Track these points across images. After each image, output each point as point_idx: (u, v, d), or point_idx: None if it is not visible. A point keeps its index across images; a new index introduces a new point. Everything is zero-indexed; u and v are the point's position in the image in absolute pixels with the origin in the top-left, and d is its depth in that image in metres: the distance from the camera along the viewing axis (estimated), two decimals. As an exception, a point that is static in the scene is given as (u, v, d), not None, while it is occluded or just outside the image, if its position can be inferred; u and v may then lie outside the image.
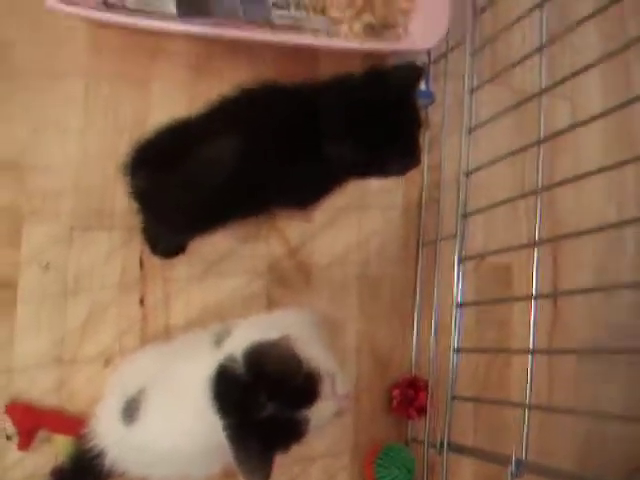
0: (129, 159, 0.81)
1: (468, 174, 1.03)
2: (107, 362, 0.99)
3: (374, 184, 1.07)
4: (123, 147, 0.81)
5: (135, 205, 0.84)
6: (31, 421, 0.94)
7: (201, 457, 0.78)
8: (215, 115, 0.80)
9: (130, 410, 0.78)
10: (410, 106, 0.79)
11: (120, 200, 0.98)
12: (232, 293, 1.04)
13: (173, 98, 1.04)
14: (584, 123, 0.83)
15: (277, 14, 1.05)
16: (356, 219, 1.10)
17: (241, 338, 0.72)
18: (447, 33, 1.06)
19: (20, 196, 0.98)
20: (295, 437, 0.68)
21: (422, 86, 1.10)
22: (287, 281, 1.06)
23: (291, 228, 1.07)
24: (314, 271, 1.07)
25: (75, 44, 1.02)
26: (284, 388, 0.67)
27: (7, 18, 0.99)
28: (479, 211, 1.02)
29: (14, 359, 0.96)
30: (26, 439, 0.94)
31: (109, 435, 0.81)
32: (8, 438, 0.94)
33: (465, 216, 1.03)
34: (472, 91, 1.04)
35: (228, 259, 1.04)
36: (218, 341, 0.76)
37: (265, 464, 0.66)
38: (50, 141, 1.00)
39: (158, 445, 0.76)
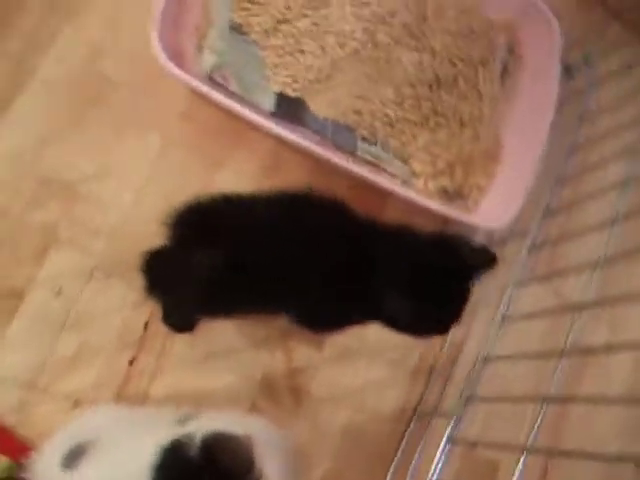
0: (172, 221, 0.82)
1: (487, 360, 1.02)
2: (76, 404, 0.96)
3: (397, 336, 1.06)
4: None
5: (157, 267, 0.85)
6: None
7: None
8: (269, 204, 0.82)
9: (72, 457, 0.75)
10: (471, 282, 0.80)
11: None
12: (220, 388, 1.01)
13: (237, 187, 1.05)
14: (619, 348, 0.82)
15: (363, 147, 1.08)
16: (364, 364, 1.08)
17: (206, 423, 0.70)
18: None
19: (63, 219, 1.00)
20: None
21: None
22: (277, 397, 1.03)
23: (299, 350, 1.05)
24: (306, 399, 1.04)
25: (170, 104, 1.06)
26: None
27: (123, 64, 1.05)
28: (485, 400, 1.00)
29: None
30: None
31: (45, 474, 0.79)
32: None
33: (470, 399, 1.01)
34: (518, 284, 1.05)
35: (229, 354, 1.02)
36: (182, 421, 0.74)
37: None
38: (110, 181, 1.02)
39: None
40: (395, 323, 0.82)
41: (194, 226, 0.82)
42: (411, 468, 1.05)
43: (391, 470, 1.07)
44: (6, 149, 1.01)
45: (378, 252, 0.80)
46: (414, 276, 0.78)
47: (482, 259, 0.81)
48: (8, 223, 0.99)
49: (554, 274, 1.05)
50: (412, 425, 1.08)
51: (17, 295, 0.97)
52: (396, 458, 1.07)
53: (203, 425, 0.70)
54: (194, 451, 0.66)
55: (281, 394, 1.03)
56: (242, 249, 0.79)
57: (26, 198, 1.00)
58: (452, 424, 1.00)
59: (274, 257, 0.78)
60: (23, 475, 0.82)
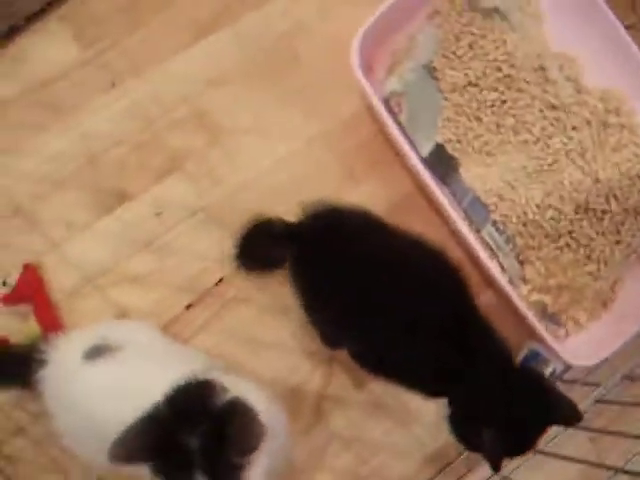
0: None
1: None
2: (121, 314, 0.99)
3: (432, 416, 1.03)
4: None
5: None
6: (32, 289, 0.96)
7: None
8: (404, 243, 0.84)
9: (95, 352, 0.77)
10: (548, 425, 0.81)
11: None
12: (251, 373, 1.00)
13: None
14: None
15: (489, 231, 1.07)
16: (390, 425, 1.04)
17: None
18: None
19: (197, 154, 1.05)
20: None
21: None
22: (298, 408, 1.02)
23: (339, 378, 1.03)
24: (322, 424, 1.03)
25: (340, 105, 1.09)
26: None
27: (316, 50, 1.09)
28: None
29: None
30: (14, 298, 0.95)
31: (63, 354, 0.79)
32: (3, 284, 0.97)
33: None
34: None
35: (274, 348, 1.02)
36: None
37: None
38: (256, 142, 1.06)
39: (88, 401, 0.74)
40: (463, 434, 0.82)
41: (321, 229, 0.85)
42: None
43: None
44: (180, 69, 1.06)
45: (479, 354, 0.80)
46: (505, 406, 0.78)
47: (569, 415, 0.80)
48: (148, 132, 1.03)
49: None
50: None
51: (123, 197, 1.01)
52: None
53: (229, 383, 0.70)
54: (213, 400, 0.67)
55: (303, 408, 1.02)
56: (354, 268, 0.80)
57: (175, 118, 1.04)
58: None
59: (383, 289, 0.79)
60: (43, 350, 0.82)
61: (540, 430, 0.80)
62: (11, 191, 0.99)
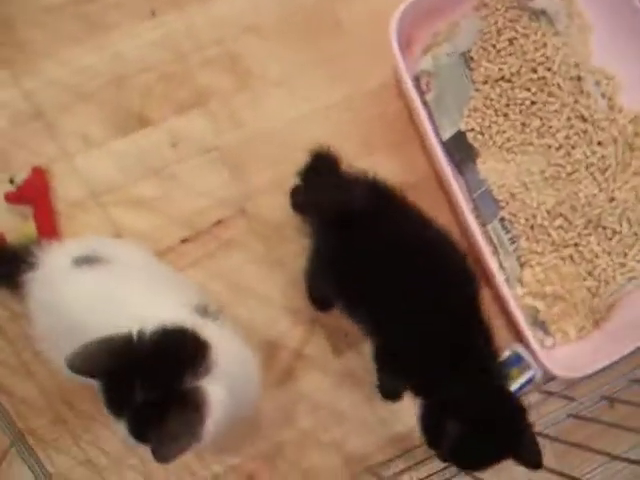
0: None
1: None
2: (117, 232, 1.01)
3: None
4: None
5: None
6: (37, 191, 0.97)
7: None
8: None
9: (85, 260, 0.78)
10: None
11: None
12: (233, 315, 1.00)
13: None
14: None
15: (495, 227, 1.07)
16: (359, 399, 1.03)
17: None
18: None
19: (222, 95, 1.06)
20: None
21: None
22: (270, 362, 1.02)
23: (318, 342, 1.04)
24: (291, 384, 1.02)
25: (370, 75, 1.09)
26: None
27: (358, 17, 1.10)
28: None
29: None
30: (17, 197, 0.97)
31: (54, 260, 0.80)
32: (11, 181, 0.98)
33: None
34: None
35: (258, 296, 1.02)
36: (200, 312, 0.76)
37: None
38: (283, 93, 1.07)
39: (70, 306, 0.74)
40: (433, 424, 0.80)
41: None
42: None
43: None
44: (221, 11, 1.07)
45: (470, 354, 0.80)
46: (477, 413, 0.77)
47: (530, 457, 0.77)
48: (179, 64, 1.05)
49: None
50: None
51: (142, 122, 1.03)
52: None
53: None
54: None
55: (276, 363, 1.02)
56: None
57: (207, 57, 1.06)
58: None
59: (405, 273, 0.79)
60: (36, 253, 0.82)
61: (496, 458, 0.77)
62: (36, 95, 1.01)
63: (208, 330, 0.72)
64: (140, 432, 0.65)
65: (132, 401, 0.64)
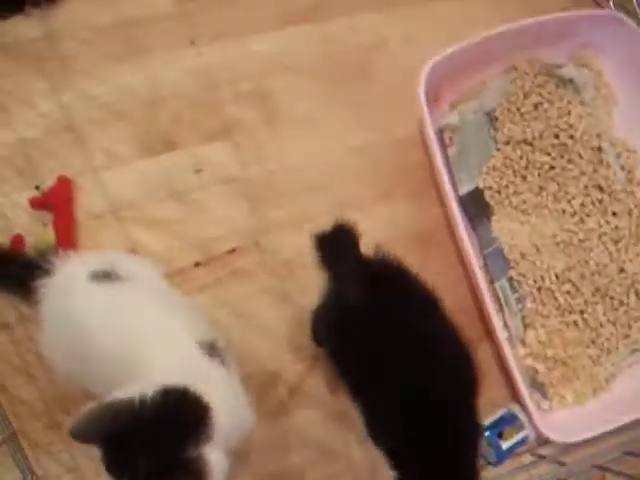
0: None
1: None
2: (132, 249, 1.01)
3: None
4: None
5: None
6: (60, 200, 1.00)
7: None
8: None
9: (100, 275, 0.78)
10: None
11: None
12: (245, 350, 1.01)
13: (378, 227, 1.07)
14: None
15: (503, 285, 1.08)
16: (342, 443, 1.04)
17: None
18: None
19: (247, 129, 1.09)
20: None
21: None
22: (269, 392, 1.02)
23: (314, 378, 1.04)
24: (286, 417, 1.03)
25: (395, 127, 1.12)
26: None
27: (390, 71, 1.14)
28: None
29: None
30: (41, 202, 1.00)
31: (69, 271, 0.81)
32: (37, 188, 1.01)
33: None
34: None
35: (266, 332, 1.03)
36: (207, 347, 0.76)
37: None
38: (305, 133, 1.10)
39: (81, 318, 0.75)
40: None
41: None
42: None
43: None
44: (258, 48, 1.12)
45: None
46: None
47: None
48: (211, 95, 1.08)
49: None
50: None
51: (169, 146, 1.06)
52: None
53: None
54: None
55: (272, 395, 1.02)
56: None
57: (239, 90, 1.09)
58: None
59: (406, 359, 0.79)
60: (52, 260, 0.83)
61: None
62: (72, 109, 1.04)
63: (212, 375, 0.73)
64: None
65: (135, 471, 0.64)
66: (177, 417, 0.67)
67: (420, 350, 0.80)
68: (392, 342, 0.80)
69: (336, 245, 0.84)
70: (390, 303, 0.82)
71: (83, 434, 0.65)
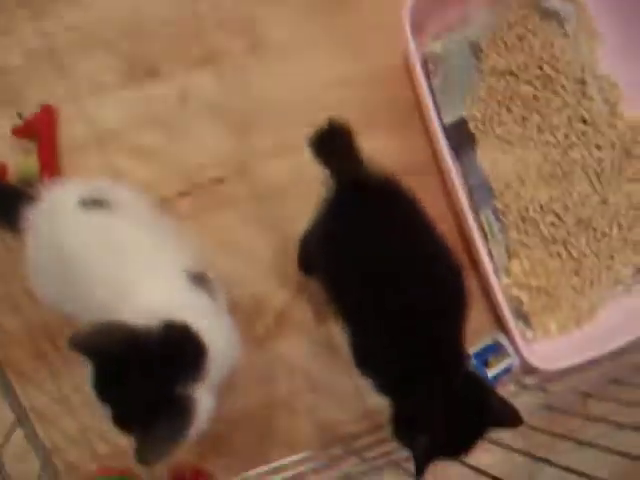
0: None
1: None
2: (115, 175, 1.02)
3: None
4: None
5: None
6: (43, 128, 0.99)
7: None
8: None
9: (90, 202, 0.78)
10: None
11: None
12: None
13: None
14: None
15: (488, 215, 1.09)
16: (337, 375, 1.04)
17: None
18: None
19: (233, 55, 1.08)
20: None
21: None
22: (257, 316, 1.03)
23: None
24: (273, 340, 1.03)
25: (380, 53, 1.11)
26: None
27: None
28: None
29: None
30: (24, 130, 0.99)
31: (58, 197, 0.80)
32: (19, 116, 1.00)
33: None
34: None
35: (250, 260, 1.03)
36: (197, 281, 0.76)
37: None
38: (291, 59, 1.10)
39: (70, 245, 0.75)
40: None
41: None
42: None
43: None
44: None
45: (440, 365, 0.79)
46: (444, 414, 0.76)
47: (509, 417, 0.78)
48: (196, 22, 1.07)
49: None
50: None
51: (154, 74, 1.06)
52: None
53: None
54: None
55: (257, 321, 1.03)
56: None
57: (225, 17, 1.08)
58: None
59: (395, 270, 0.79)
60: (37, 188, 0.83)
61: (478, 435, 0.78)
62: (54, 36, 1.03)
63: (200, 305, 0.74)
64: (124, 424, 0.66)
65: (121, 394, 0.65)
66: (177, 353, 0.68)
67: (413, 269, 0.79)
68: (384, 258, 0.79)
69: (332, 140, 0.84)
70: (384, 217, 0.82)
71: (82, 345, 0.65)
